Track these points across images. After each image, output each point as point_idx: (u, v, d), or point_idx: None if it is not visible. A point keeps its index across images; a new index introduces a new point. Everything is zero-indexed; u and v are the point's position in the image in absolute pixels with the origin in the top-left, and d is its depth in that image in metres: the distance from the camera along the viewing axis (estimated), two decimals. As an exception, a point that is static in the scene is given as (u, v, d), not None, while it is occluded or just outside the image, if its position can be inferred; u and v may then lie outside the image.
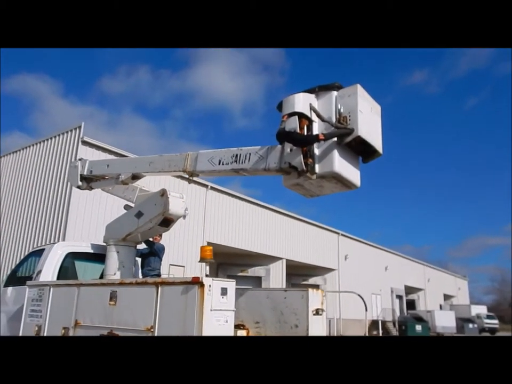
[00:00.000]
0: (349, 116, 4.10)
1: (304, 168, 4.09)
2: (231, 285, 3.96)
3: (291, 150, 4.20)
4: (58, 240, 13.69)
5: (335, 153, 4.13)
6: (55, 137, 15.69)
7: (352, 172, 4.37)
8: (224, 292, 3.86)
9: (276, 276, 22.71)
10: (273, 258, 22.70)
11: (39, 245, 14.01)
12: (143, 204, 5.92)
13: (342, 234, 28.88)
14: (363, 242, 32.09)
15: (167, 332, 3.84)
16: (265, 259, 22.41)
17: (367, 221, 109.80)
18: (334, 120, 4.15)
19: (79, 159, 6.64)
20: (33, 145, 16.70)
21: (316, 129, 4.28)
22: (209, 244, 18.46)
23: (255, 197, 24.91)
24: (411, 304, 39.10)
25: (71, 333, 4.78)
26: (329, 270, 27.35)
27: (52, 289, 5.21)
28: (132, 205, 6.21)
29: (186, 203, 6.02)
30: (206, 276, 3.94)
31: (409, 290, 38.57)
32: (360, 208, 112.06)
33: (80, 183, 6.50)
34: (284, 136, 4.22)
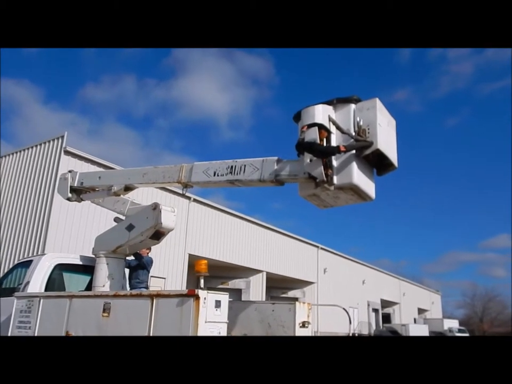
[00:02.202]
0: (368, 129, 4.18)
1: (325, 178, 4.15)
2: (224, 297, 4.11)
3: (311, 160, 4.24)
4: (38, 251, 13.52)
5: (354, 165, 4.20)
6: (36, 146, 15.54)
7: (368, 184, 4.44)
8: (218, 304, 4.01)
9: (255, 289, 22.79)
10: (254, 271, 22.81)
11: (19, 255, 13.78)
12: (135, 216, 6.01)
13: (322, 248, 29.24)
14: (342, 256, 32.53)
15: (162, 343, 3.95)
16: (245, 271, 22.50)
17: (346, 235, 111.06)
18: (352, 132, 4.23)
19: (69, 171, 6.70)
20: (13, 153, 16.47)
21: (334, 141, 4.34)
22: (190, 255, 18.49)
23: (238, 209, 25.12)
24: (386, 318, 39.70)
25: (61, 345, 4.82)
26: (308, 283, 27.58)
27: (42, 300, 5.23)
28: (123, 217, 6.28)
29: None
30: (201, 289, 4.07)
31: (385, 304, 39.18)
32: (340, 221, 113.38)
33: (69, 195, 6.55)
34: (304, 147, 4.24)
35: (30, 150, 15.69)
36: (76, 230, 14.14)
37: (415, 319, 43.35)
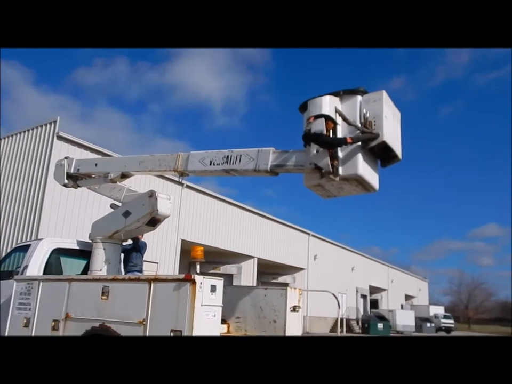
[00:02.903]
0: (374, 121, 4.21)
1: (331, 169, 4.20)
2: (219, 282, 4.32)
3: (317, 151, 4.27)
4: (31, 235, 13.62)
5: (359, 156, 4.23)
6: (28, 130, 15.47)
7: (372, 175, 4.50)
8: (213, 288, 4.22)
9: (247, 274, 23.13)
10: (245, 257, 23.11)
11: (12, 239, 13.88)
12: (131, 203, 6.14)
13: (313, 235, 29.60)
14: (332, 243, 32.98)
15: (159, 325, 4.15)
16: (237, 257, 22.78)
17: (338, 222, 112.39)
18: (358, 124, 4.26)
19: (65, 157, 6.79)
20: (5, 138, 16.38)
21: (340, 132, 4.34)
22: (183, 241, 18.69)
23: (230, 195, 25.31)
24: (374, 304, 40.49)
25: (61, 325, 5.01)
26: (298, 269, 27.99)
27: (41, 283, 5.40)
28: (119, 204, 6.42)
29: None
30: (197, 274, 4.26)
31: (373, 290, 39.89)
32: (332, 209, 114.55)
33: (66, 181, 6.65)
34: (311, 138, 4.26)
35: (23, 134, 15.63)
36: (69, 215, 14.24)
37: (402, 305, 44.24)
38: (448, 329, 40.35)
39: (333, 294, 9.30)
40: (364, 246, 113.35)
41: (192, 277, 4.06)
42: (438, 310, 44.05)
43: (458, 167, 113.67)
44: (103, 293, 4.69)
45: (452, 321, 42.50)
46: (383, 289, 41.85)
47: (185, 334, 3.93)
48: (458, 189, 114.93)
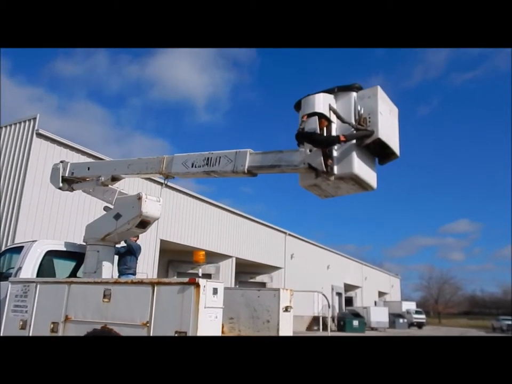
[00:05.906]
0: (369, 118, 4.11)
1: (325, 169, 4.14)
2: (221, 285, 4.51)
3: (310, 150, 4.21)
4: (8, 234, 13.38)
5: (354, 155, 4.14)
6: (6, 126, 15.14)
7: (370, 174, 4.39)
8: (215, 291, 4.40)
9: (225, 274, 23.26)
10: (223, 256, 23.23)
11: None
12: (121, 206, 6.24)
13: (289, 234, 30.00)
14: (308, 242, 33.50)
15: (163, 327, 4.30)
16: (215, 257, 22.86)
17: (313, 220, 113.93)
18: (353, 121, 4.15)
19: (61, 161, 6.84)
20: (-19, 134, 15.96)
21: (335, 130, 4.24)
22: (162, 241, 18.69)
23: (209, 193, 25.34)
24: (349, 301, 41.35)
25: (60, 328, 5.07)
26: (275, 268, 28.32)
27: (39, 285, 5.44)
28: (111, 206, 6.51)
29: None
30: (199, 277, 4.42)
31: (348, 287, 40.74)
32: (307, 207, 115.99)
33: (61, 184, 6.71)
34: (304, 137, 4.20)
35: (0, 130, 15.28)
36: (48, 214, 14.05)
37: (375, 302, 45.35)
38: (420, 324, 41.75)
39: (323, 295, 9.60)
40: (339, 243, 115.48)
41: (196, 280, 4.23)
42: (410, 305, 45.37)
43: (430, 164, 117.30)
44: (104, 296, 4.79)
45: (423, 316, 43.87)
46: (357, 287, 42.79)
47: (190, 335, 4.09)
48: (431, 186, 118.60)
